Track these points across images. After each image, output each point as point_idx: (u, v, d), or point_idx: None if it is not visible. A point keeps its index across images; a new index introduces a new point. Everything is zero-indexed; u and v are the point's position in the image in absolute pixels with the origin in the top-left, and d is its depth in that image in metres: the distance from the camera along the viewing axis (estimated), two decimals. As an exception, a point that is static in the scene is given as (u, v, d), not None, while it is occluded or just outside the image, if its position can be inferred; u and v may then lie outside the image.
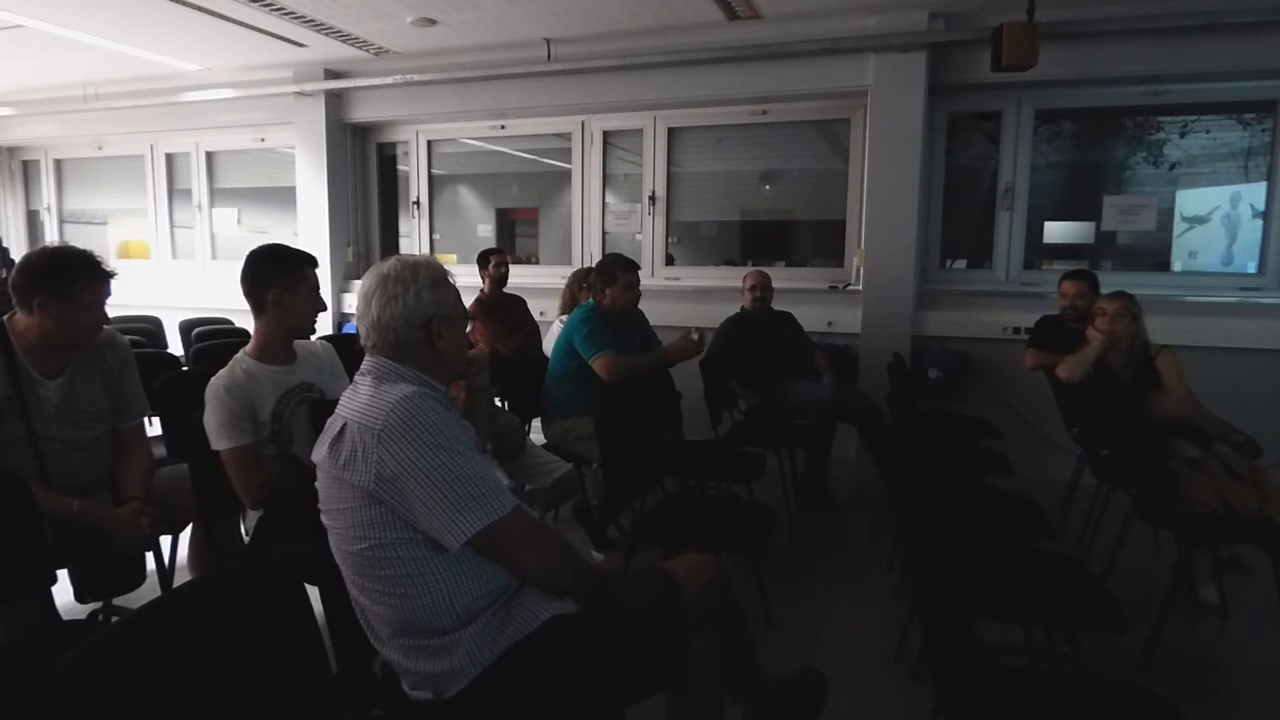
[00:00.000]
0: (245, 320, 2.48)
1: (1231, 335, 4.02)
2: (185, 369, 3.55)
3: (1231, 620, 2.72)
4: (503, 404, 3.59)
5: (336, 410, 1.45)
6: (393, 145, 5.95)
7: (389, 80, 5.28)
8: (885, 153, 4.40)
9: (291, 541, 1.81)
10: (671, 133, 5.14)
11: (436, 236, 5.92)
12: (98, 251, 2.11)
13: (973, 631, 1.99)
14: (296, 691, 1.18)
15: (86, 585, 2.13)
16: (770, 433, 3.69)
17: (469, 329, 1.70)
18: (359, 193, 5.97)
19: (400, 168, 5.96)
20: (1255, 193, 4.27)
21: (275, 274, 2.15)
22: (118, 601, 2.25)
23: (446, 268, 1.58)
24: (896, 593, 2.87)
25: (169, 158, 6.50)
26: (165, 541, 2.38)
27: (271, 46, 4.93)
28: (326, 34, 4.68)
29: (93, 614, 2.24)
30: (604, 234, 5.37)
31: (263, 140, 6.12)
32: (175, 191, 6.55)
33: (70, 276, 2.01)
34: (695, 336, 3.44)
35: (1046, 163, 4.60)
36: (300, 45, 4.93)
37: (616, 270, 3.40)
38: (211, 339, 4.01)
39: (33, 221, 7.15)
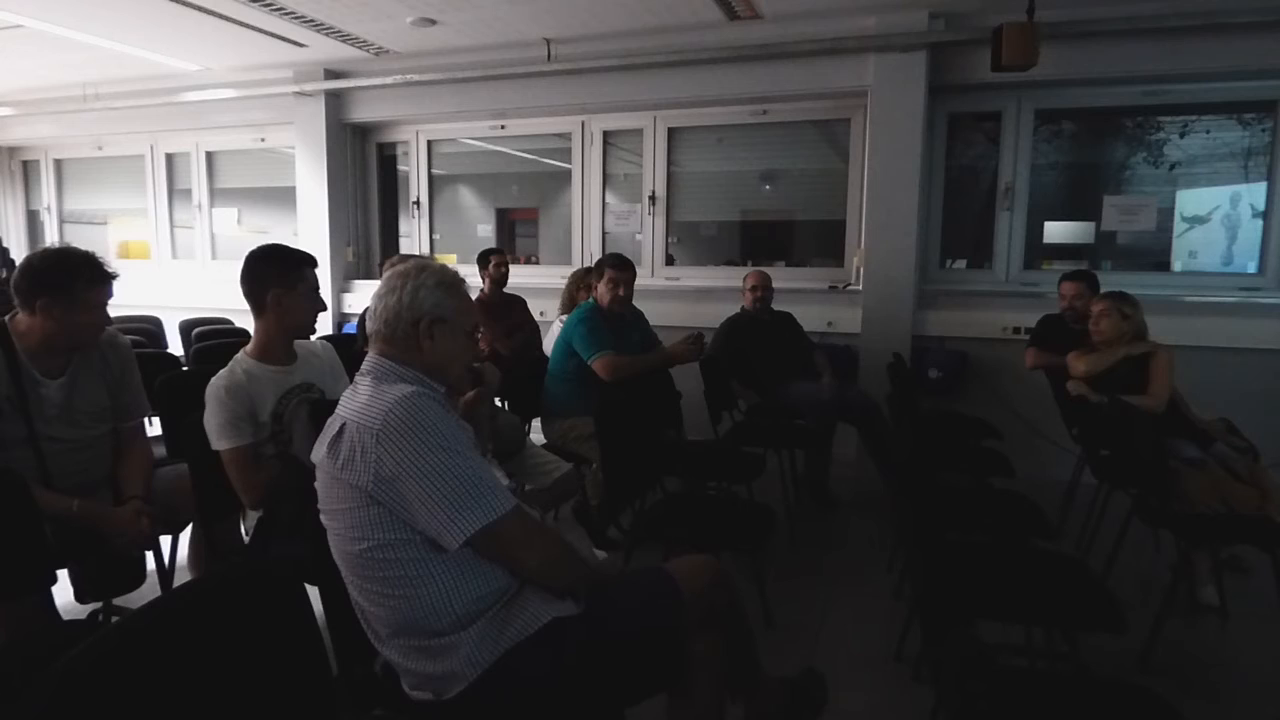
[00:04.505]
0: (245, 320, 2.48)
1: (1231, 335, 4.02)
2: (185, 369, 3.55)
3: (1231, 620, 2.72)
4: (503, 404, 3.59)
5: (336, 410, 1.45)
6: (393, 145, 5.95)
7: (389, 80, 5.28)
8: (885, 153, 4.40)
9: (291, 541, 1.81)
10: (671, 133, 5.14)
11: (436, 236, 5.93)
12: (98, 252, 2.11)
13: (973, 631, 1.99)
14: (296, 691, 1.18)
15: (86, 585, 2.13)
16: (770, 433, 3.69)
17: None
18: (359, 193, 5.97)
19: (400, 168, 5.96)
20: (1255, 193, 4.28)
21: (275, 274, 2.14)
22: (118, 601, 2.25)
23: (463, 278, 1.58)
24: (896, 593, 2.87)
25: (169, 158, 6.50)
26: (165, 541, 2.38)
27: (271, 46, 4.93)
28: (326, 34, 4.68)
29: (93, 614, 2.25)
30: (604, 234, 5.37)
31: (263, 140, 6.12)
32: (175, 191, 6.55)
33: (73, 278, 2.01)
34: (697, 339, 3.45)
35: (1046, 163, 4.60)
36: (300, 45, 4.93)
37: (605, 266, 3.44)
38: (211, 339, 4.02)
39: (33, 221, 7.15)
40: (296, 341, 2.27)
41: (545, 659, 1.40)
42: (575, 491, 3.14)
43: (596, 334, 3.29)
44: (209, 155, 6.35)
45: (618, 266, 3.43)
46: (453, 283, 1.55)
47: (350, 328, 5.48)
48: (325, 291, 2.77)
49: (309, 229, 5.73)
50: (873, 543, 3.40)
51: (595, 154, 5.32)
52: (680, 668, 1.49)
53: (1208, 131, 4.36)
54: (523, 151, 5.77)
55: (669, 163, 5.16)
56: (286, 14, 4.34)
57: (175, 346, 4.64)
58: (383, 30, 4.65)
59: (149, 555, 2.23)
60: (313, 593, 1.28)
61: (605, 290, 3.40)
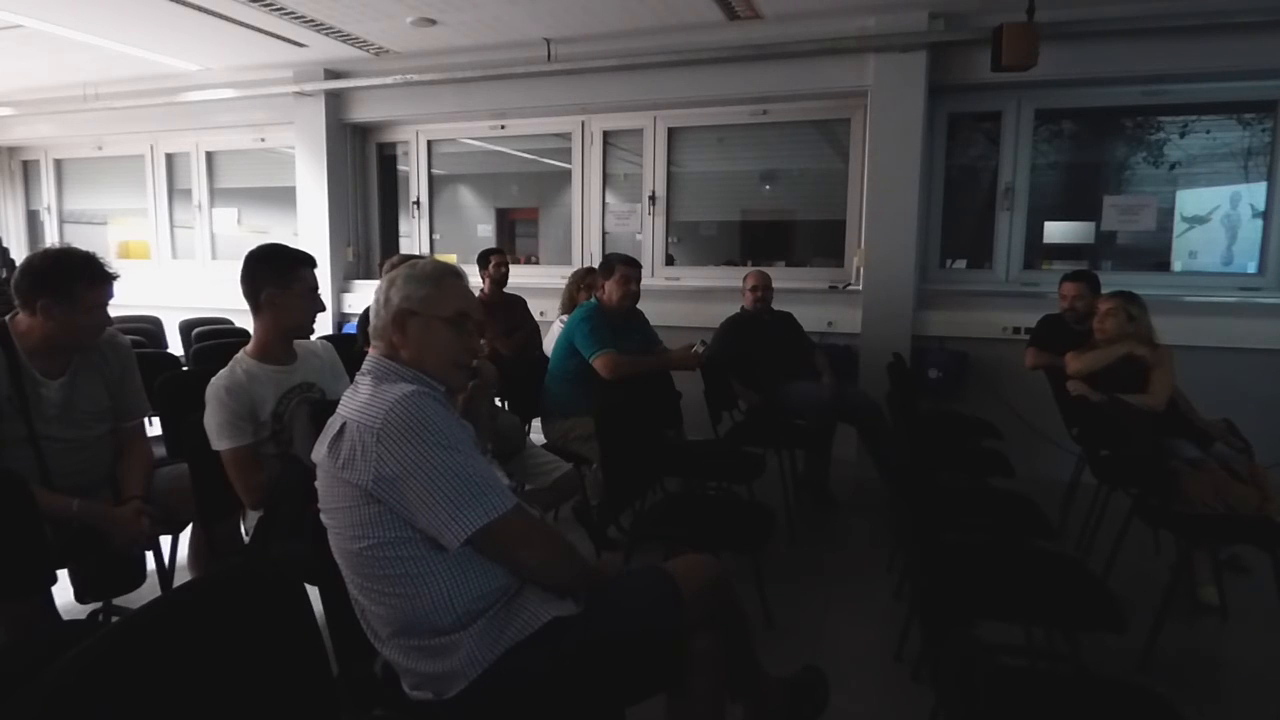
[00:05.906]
0: (245, 320, 2.48)
1: (1231, 335, 4.02)
2: (185, 369, 3.55)
3: (1231, 620, 2.72)
4: (503, 404, 3.59)
5: (337, 410, 1.45)
6: (393, 145, 5.96)
7: (389, 80, 5.28)
8: (885, 153, 4.40)
9: (291, 541, 1.81)
10: (671, 133, 5.14)
11: (436, 236, 5.93)
12: (98, 252, 2.11)
13: (973, 631, 1.99)
14: (296, 691, 1.18)
15: (86, 585, 2.13)
16: (770, 433, 3.69)
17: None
18: (359, 193, 5.97)
19: (400, 168, 5.96)
20: (1255, 193, 4.28)
21: (271, 274, 2.15)
22: (118, 601, 2.25)
23: (453, 268, 1.57)
24: (896, 593, 2.87)
25: (169, 158, 6.50)
26: (165, 541, 2.38)
27: (271, 46, 4.93)
28: (326, 34, 4.68)
29: (93, 614, 2.24)
30: (604, 234, 5.37)
31: (263, 140, 6.12)
32: (175, 191, 6.55)
33: (73, 279, 2.01)
34: (699, 350, 3.50)
35: (1046, 163, 4.60)
36: (300, 45, 4.93)
37: (616, 263, 3.45)
38: (211, 339, 4.01)
39: (33, 221, 7.15)
40: (296, 341, 2.27)
41: (545, 658, 1.40)
42: (575, 491, 3.14)
43: (598, 333, 3.30)
44: (209, 155, 6.35)
45: (630, 263, 3.46)
46: (425, 274, 1.52)
47: (350, 328, 5.48)
48: (325, 291, 2.76)
49: (309, 229, 5.73)
50: (873, 543, 3.40)
51: (595, 154, 5.32)
52: (680, 668, 1.49)
53: (1208, 131, 4.36)
54: (523, 151, 5.77)
55: (669, 163, 5.16)
56: (286, 14, 4.34)
57: (175, 346, 4.64)
58: (383, 30, 4.65)
59: (149, 555, 2.23)
60: (313, 593, 1.28)
61: (617, 286, 3.40)
